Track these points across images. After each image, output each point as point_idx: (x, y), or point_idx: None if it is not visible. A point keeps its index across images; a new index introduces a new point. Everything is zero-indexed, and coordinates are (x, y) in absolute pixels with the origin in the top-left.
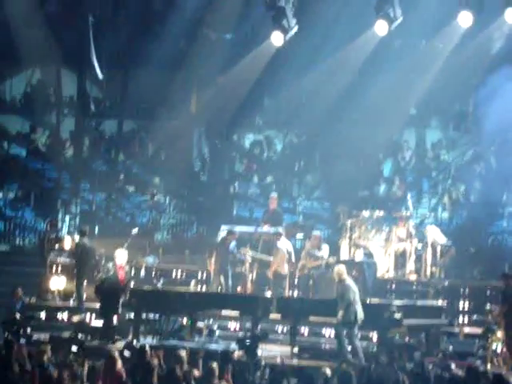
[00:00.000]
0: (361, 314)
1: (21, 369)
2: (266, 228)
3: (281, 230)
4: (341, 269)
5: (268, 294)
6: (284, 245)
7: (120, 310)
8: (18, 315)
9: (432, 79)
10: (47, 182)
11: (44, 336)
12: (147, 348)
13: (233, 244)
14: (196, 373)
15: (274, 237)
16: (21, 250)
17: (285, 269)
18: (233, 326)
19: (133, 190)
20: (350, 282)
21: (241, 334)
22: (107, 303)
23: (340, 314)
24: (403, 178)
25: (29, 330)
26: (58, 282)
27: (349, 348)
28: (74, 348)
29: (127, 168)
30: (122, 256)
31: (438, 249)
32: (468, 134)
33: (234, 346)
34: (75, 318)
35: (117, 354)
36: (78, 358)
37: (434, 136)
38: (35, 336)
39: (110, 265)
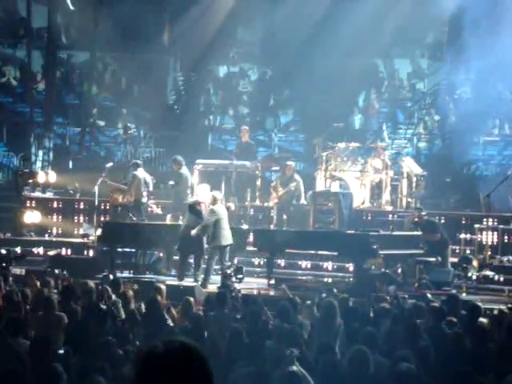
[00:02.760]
0: (223, 240)
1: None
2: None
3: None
4: (212, 194)
5: (245, 226)
6: (142, 174)
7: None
8: (3, 250)
9: (407, 9)
10: (19, 116)
11: (20, 270)
12: (121, 281)
13: None
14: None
15: (132, 167)
16: None
17: (145, 197)
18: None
19: (103, 124)
20: (217, 207)
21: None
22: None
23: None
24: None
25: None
26: (32, 217)
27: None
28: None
29: (100, 102)
30: (204, 191)
31: (414, 179)
32: (443, 63)
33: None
34: (51, 252)
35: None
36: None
37: (408, 66)
38: (12, 270)
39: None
